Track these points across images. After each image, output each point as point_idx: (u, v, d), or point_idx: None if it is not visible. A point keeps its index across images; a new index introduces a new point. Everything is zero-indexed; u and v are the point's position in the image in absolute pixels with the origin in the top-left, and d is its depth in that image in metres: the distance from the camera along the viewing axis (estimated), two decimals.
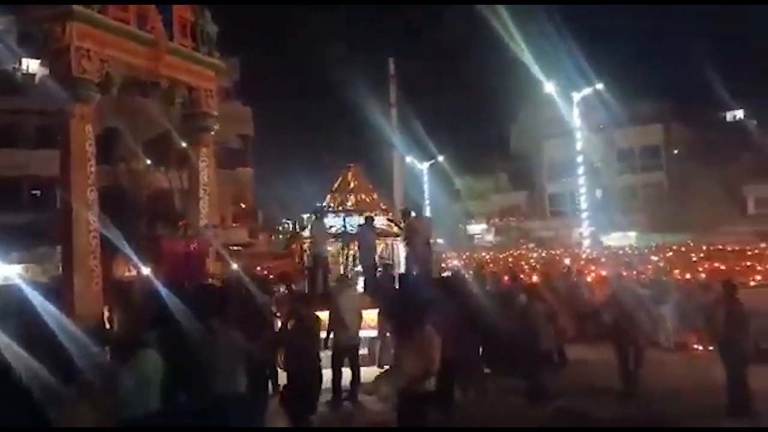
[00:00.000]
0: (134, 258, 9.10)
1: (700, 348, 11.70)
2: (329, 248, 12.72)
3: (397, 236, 13.47)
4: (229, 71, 24.55)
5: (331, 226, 13.22)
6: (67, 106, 8.88)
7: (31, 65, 20.23)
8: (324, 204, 14.03)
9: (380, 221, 13.50)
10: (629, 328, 9.36)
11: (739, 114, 41.25)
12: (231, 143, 29.77)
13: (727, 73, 34.05)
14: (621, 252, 19.89)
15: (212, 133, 11.33)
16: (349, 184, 14.35)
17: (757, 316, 8.70)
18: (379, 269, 12.17)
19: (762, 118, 34.91)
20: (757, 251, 15.53)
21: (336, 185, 14.52)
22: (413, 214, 13.36)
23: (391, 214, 14.39)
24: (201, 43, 10.83)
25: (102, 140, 10.08)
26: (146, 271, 8.96)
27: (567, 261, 16.76)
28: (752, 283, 12.21)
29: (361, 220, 12.78)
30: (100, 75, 9.14)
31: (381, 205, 14.43)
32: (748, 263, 14.01)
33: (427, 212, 30.54)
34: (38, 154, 19.36)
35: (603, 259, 17.02)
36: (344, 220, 13.45)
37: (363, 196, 14.19)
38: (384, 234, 13.45)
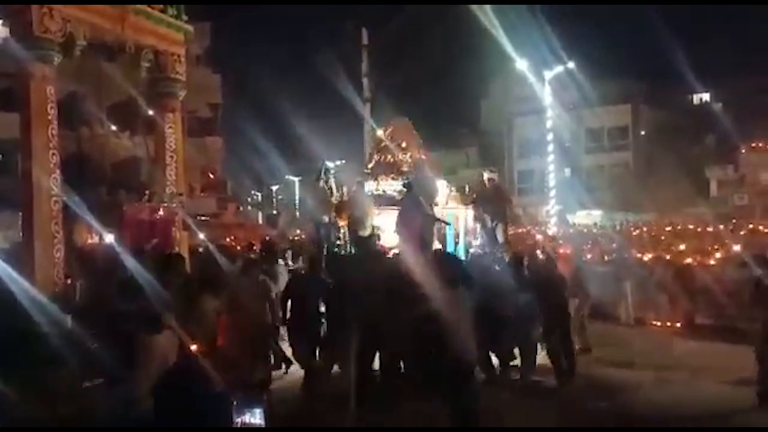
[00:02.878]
0: (96, 225, 8.90)
1: (659, 324, 12.11)
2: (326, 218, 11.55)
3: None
4: (199, 36, 24.00)
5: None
6: (27, 66, 8.57)
7: None
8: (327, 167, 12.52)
9: (389, 186, 11.93)
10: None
11: (706, 97, 41.97)
12: (200, 112, 29.27)
13: (697, 56, 34.47)
14: (586, 230, 20.18)
15: (179, 98, 11.05)
16: (380, 143, 13.12)
17: None
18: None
19: (727, 101, 35.52)
20: (714, 232, 15.96)
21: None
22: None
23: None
24: (169, 6, 10.49)
25: (64, 105, 9.76)
26: (109, 239, 8.78)
27: (538, 237, 16.87)
28: (712, 262, 12.63)
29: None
30: (63, 34, 8.80)
31: (404, 167, 12.27)
32: (710, 247, 14.30)
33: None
34: None
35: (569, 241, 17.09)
36: (326, 182, 12.08)
37: (388, 156, 12.64)
38: (387, 203, 11.52)
